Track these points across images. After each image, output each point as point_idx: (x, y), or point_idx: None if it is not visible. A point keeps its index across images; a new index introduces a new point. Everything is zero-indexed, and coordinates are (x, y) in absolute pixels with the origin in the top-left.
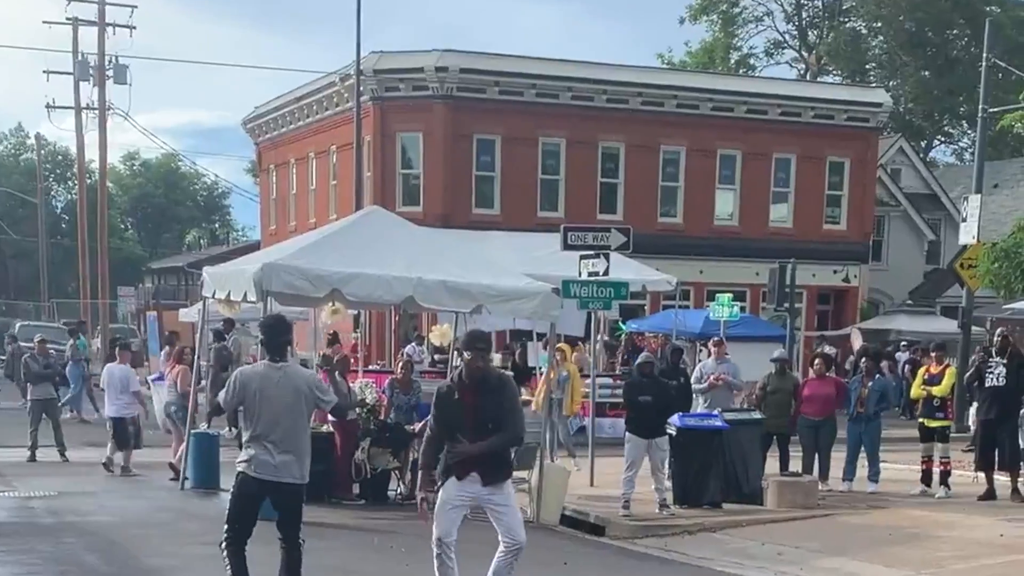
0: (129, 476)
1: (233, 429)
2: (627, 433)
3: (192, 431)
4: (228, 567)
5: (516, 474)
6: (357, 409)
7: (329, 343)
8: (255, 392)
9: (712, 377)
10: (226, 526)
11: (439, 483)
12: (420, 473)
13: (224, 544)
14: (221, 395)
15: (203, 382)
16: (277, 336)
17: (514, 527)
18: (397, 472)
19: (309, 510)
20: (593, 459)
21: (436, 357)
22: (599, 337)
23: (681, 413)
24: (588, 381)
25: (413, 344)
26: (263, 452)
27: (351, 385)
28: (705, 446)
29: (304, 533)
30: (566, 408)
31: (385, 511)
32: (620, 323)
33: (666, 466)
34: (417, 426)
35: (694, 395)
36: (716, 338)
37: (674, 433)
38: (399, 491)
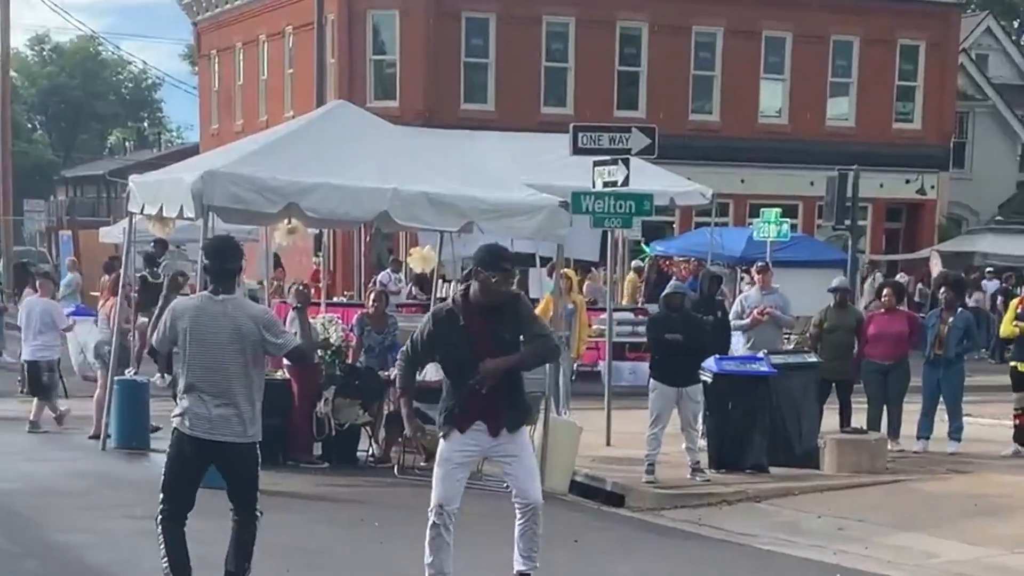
0: (61, 430)
1: (166, 376)
2: (652, 380)
3: (116, 378)
4: (162, 546)
5: None
6: (319, 352)
7: (274, 264)
8: (186, 330)
9: (756, 311)
10: (161, 495)
11: (440, 433)
12: (400, 398)
13: (159, 518)
14: (154, 334)
15: (134, 319)
16: (223, 262)
17: (526, 484)
18: (368, 429)
19: (262, 475)
20: (609, 413)
21: (416, 289)
22: (632, 263)
23: (718, 355)
24: (602, 316)
25: (387, 271)
26: (197, 404)
27: (311, 322)
28: (748, 396)
29: (260, 503)
30: (572, 349)
31: (354, 476)
32: (643, 245)
33: (699, 421)
34: (393, 372)
35: (734, 333)
36: (761, 263)
37: (710, 380)
38: (371, 452)
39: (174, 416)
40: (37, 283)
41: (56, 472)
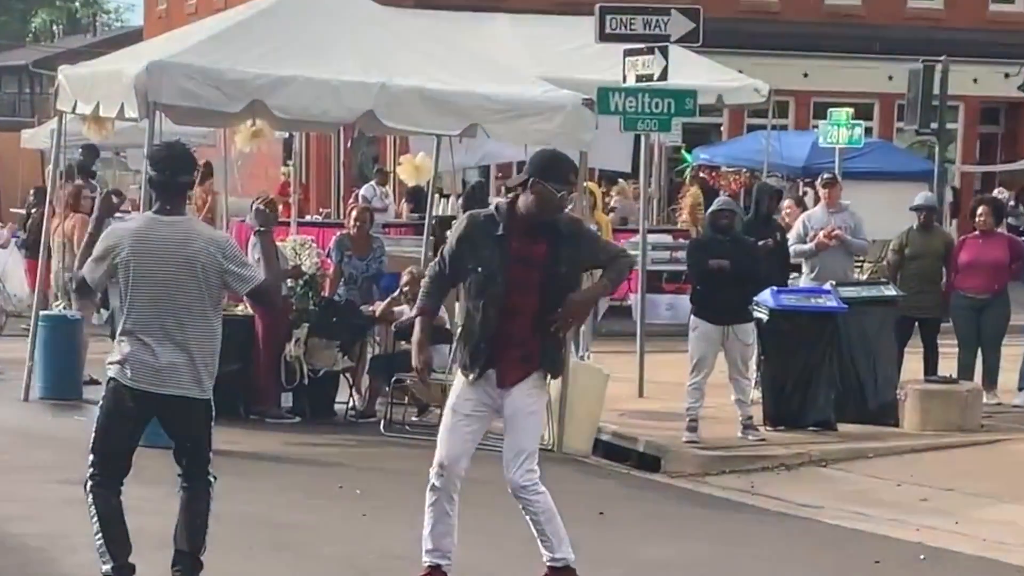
0: None
1: (103, 311)
2: (693, 317)
3: (41, 313)
4: (94, 518)
5: None
6: (289, 283)
7: (201, 178)
8: (127, 260)
9: (822, 233)
10: (91, 457)
11: (453, 366)
12: (417, 316)
13: (89, 484)
14: (86, 264)
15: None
16: (174, 174)
17: (519, 436)
18: (348, 376)
19: (216, 432)
20: (642, 357)
21: (409, 206)
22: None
23: (775, 287)
24: (634, 239)
25: (372, 184)
26: (141, 350)
27: (280, 246)
28: (811, 337)
29: (216, 467)
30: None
31: (331, 433)
32: (684, 153)
33: (752, 367)
34: (378, 306)
35: (794, 261)
36: (827, 175)
37: (765, 317)
38: (351, 405)
39: (110, 363)
40: None
41: None
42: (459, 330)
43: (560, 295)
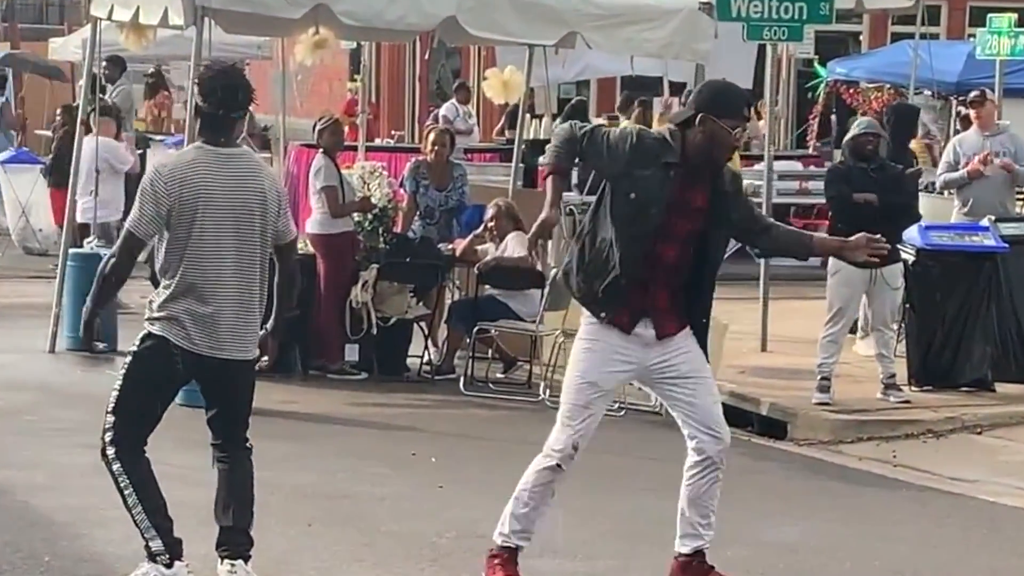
0: None
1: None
2: (833, 260)
3: (70, 251)
4: (127, 488)
5: None
6: (354, 216)
7: (151, 89)
8: (187, 201)
9: (977, 159)
10: (111, 419)
11: (599, 317)
12: (549, 175)
13: (112, 451)
14: (133, 213)
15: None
16: (229, 107)
17: (711, 419)
18: (423, 326)
19: (271, 388)
20: (766, 306)
21: (503, 129)
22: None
23: (925, 223)
24: (758, 167)
25: (453, 102)
26: (199, 305)
27: (345, 175)
28: (965, 282)
29: (256, 430)
30: None
31: (402, 392)
32: (817, 66)
33: (897, 317)
34: (459, 244)
35: (943, 192)
36: (975, 93)
37: (911, 258)
38: (427, 359)
39: (156, 318)
40: None
41: None
42: (577, 265)
43: (709, 256)
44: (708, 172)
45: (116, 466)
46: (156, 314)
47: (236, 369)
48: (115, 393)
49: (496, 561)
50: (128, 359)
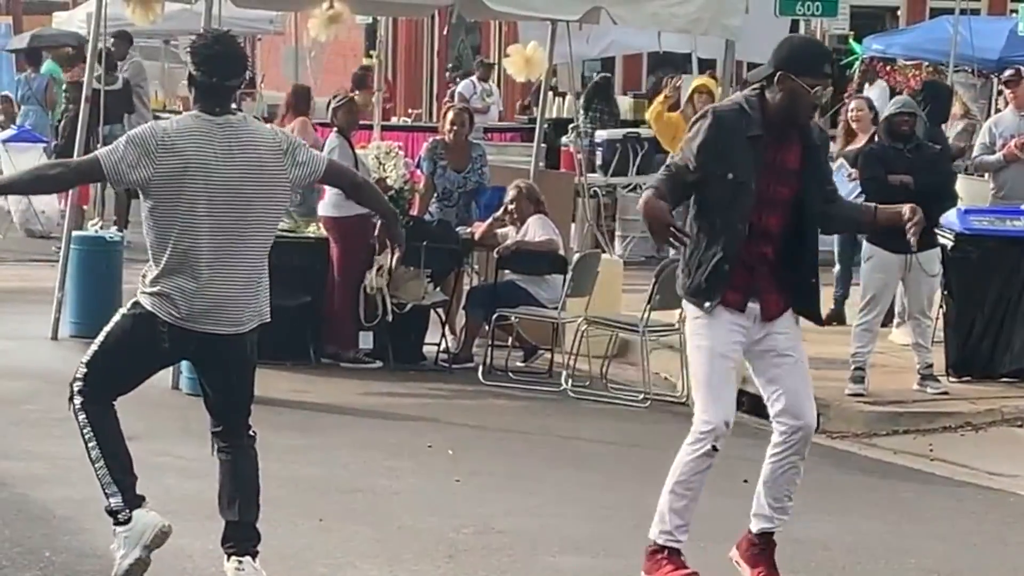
0: None
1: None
2: (867, 245)
3: (74, 234)
4: (91, 441)
5: (658, 317)
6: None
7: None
8: (181, 170)
9: (1014, 143)
10: (83, 371)
11: (703, 309)
12: (651, 199)
13: (78, 401)
14: (110, 147)
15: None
16: (224, 75)
17: (800, 399)
18: (440, 312)
19: (281, 377)
20: None
21: (525, 105)
22: None
23: (964, 207)
24: None
25: (472, 80)
26: (190, 280)
27: (357, 154)
28: (1007, 268)
29: (266, 420)
30: None
31: (418, 381)
32: (852, 42)
33: (935, 304)
34: (477, 228)
35: (979, 175)
36: (1011, 71)
37: (950, 244)
38: (444, 347)
39: (145, 291)
40: None
41: None
42: (683, 265)
43: (810, 215)
44: (795, 131)
45: (82, 416)
46: (148, 289)
47: (229, 344)
48: (94, 348)
49: (660, 557)
50: (115, 319)
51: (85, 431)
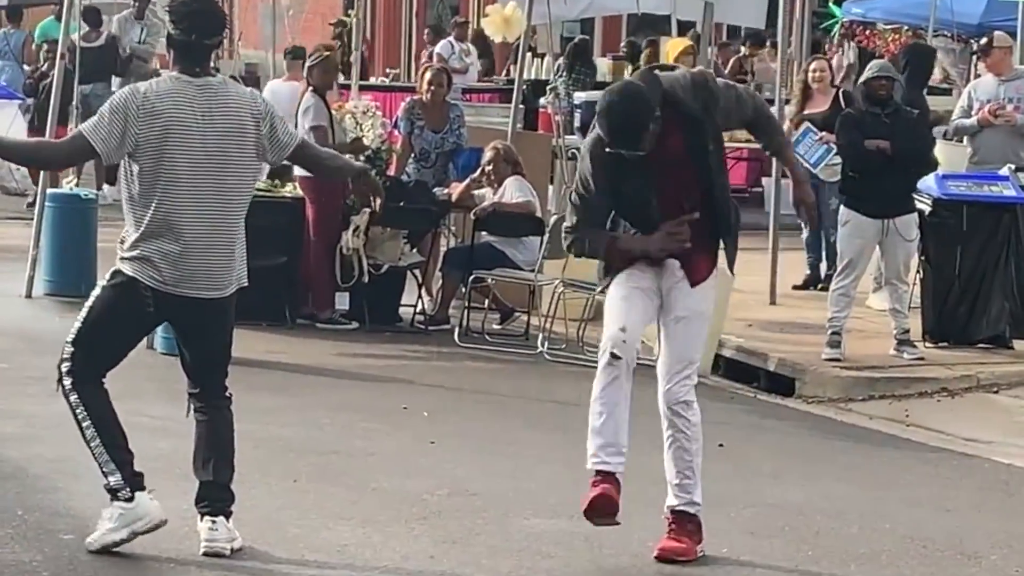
0: None
1: (105, 188)
2: (844, 209)
3: (48, 191)
4: (85, 420)
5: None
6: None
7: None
8: (160, 132)
9: (986, 110)
10: (71, 350)
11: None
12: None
13: (68, 381)
14: (93, 121)
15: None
16: (200, 35)
17: (675, 358)
18: (417, 274)
19: (256, 338)
20: (775, 256)
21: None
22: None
23: (942, 172)
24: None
25: (450, 40)
26: (173, 243)
27: (332, 113)
28: (983, 234)
29: (241, 381)
30: None
31: (394, 343)
32: (831, 6)
33: (912, 270)
34: (455, 188)
35: (958, 140)
36: (985, 39)
37: (927, 209)
38: (420, 308)
39: (125, 257)
40: None
41: None
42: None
43: (717, 175)
44: (666, 113)
45: (73, 397)
46: (127, 253)
47: (209, 308)
48: (77, 324)
49: (591, 480)
50: (95, 291)
51: (78, 411)
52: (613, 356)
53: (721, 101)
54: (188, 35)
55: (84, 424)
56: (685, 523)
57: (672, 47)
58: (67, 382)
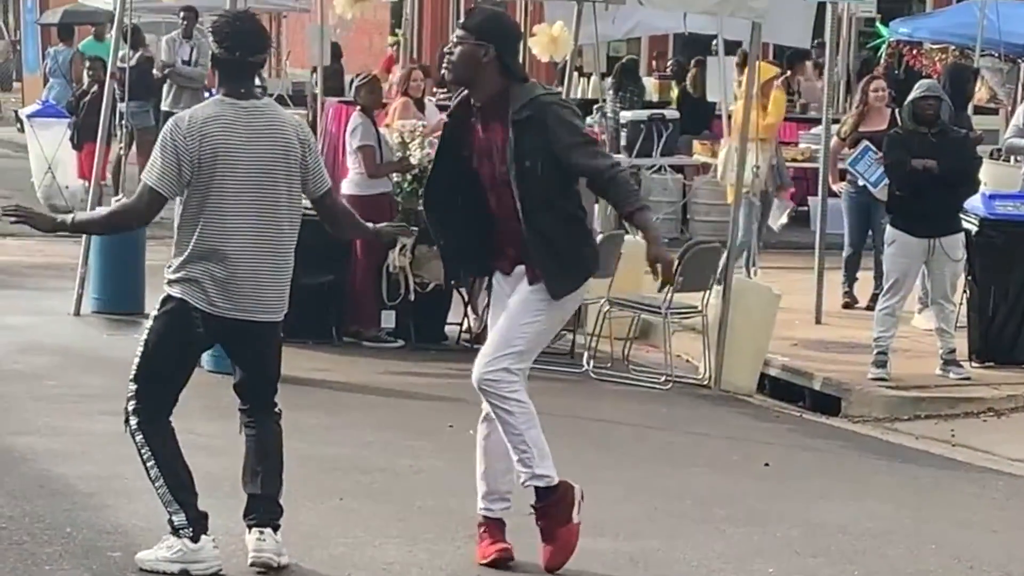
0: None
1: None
2: (891, 229)
3: (97, 208)
4: (150, 461)
5: (681, 298)
6: (393, 177)
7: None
8: (209, 157)
9: None
10: (134, 387)
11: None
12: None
13: (134, 421)
14: (150, 167)
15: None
16: (244, 53)
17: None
18: (463, 292)
19: (303, 356)
20: (821, 276)
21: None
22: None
23: (989, 191)
24: (816, 130)
25: None
26: (221, 267)
27: (380, 133)
28: None
29: (288, 399)
30: (764, 179)
31: (440, 361)
32: (879, 25)
33: (958, 290)
34: None
35: (1010, 158)
36: None
37: (974, 228)
38: (466, 327)
39: (172, 279)
40: None
41: (7, 346)
42: None
43: (537, 199)
44: (497, 110)
45: (139, 437)
46: (174, 275)
47: (261, 331)
48: (136, 360)
49: (479, 531)
50: (147, 323)
51: (143, 451)
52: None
53: (551, 124)
54: (232, 53)
55: (148, 464)
56: (548, 507)
57: (764, 72)
58: (133, 422)
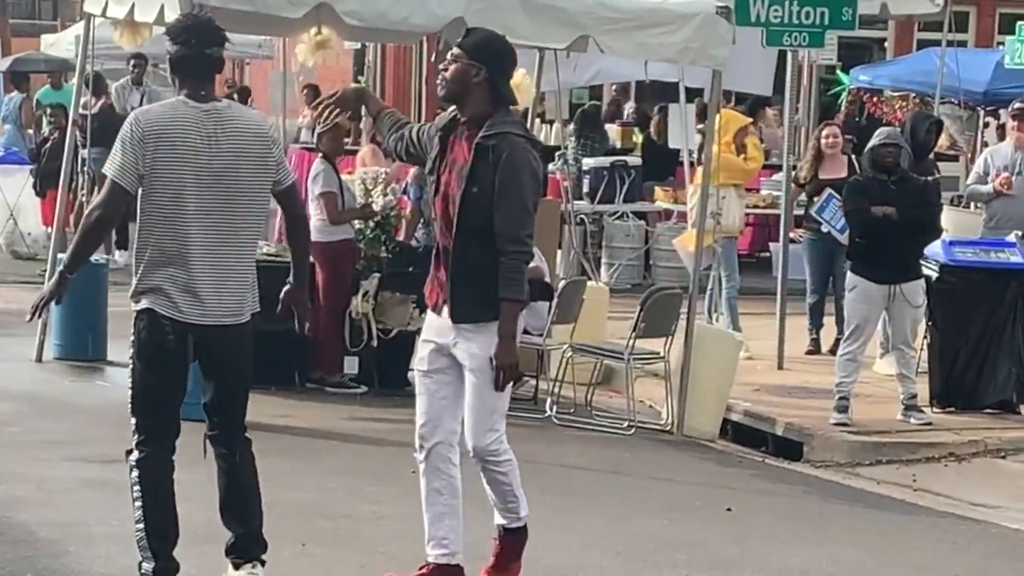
0: None
1: (116, 254)
2: (851, 275)
3: (60, 256)
4: (137, 500)
5: (643, 344)
6: (355, 224)
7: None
8: (166, 160)
9: (997, 182)
10: (134, 421)
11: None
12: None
13: (135, 457)
14: (110, 161)
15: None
16: (200, 44)
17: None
18: None
19: (265, 402)
20: (783, 321)
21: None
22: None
23: (949, 238)
24: (777, 177)
25: None
26: (183, 272)
27: (342, 180)
28: (990, 300)
29: (266, 445)
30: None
31: (403, 407)
32: (839, 73)
33: (919, 335)
34: None
35: (971, 205)
36: (1020, 103)
37: (935, 275)
38: None
39: (140, 292)
40: None
41: None
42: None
43: (473, 225)
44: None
45: (133, 474)
46: (140, 286)
47: (228, 335)
48: (129, 391)
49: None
50: (130, 351)
51: (134, 488)
52: (422, 449)
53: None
54: (187, 46)
55: (136, 503)
56: (512, 543)
57: (730, 120)
58: (133, 457)
